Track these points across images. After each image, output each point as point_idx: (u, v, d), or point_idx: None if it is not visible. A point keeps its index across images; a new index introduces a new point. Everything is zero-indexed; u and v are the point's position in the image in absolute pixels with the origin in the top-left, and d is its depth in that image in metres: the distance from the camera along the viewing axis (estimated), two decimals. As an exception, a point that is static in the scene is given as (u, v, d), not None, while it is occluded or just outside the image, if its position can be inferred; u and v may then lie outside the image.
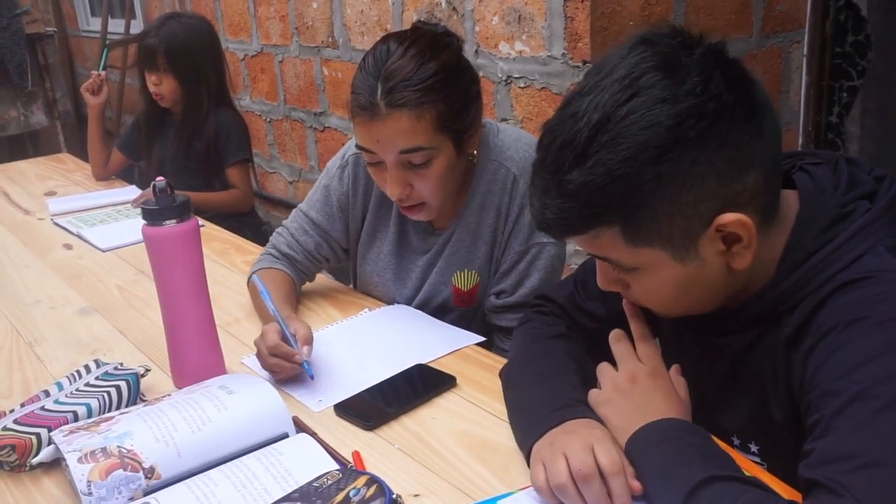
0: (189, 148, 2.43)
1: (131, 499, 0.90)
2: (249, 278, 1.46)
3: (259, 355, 1.19)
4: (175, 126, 2.46)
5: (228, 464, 0.95)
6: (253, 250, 1.85)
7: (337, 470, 0.91)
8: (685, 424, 0.86)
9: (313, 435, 1.02)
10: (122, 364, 1.18)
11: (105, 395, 1.09)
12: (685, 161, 0.76)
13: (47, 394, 1.12)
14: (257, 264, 1.49)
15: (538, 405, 0.95)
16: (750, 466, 0.83)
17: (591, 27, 1.91)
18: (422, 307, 1.45)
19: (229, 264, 1.78)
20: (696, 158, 0.76)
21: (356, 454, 1.00)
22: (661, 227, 0.79)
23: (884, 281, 0.77)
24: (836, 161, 0.88)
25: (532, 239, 1.35)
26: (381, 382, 1.17)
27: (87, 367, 1.18)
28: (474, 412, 1.10)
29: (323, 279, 1.61)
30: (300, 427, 1.05)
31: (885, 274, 0.77)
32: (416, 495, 0.92)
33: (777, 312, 0.84)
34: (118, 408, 1.10)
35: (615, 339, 0.96)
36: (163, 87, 2.37)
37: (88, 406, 1.07)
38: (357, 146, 1.27)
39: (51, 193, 2.51)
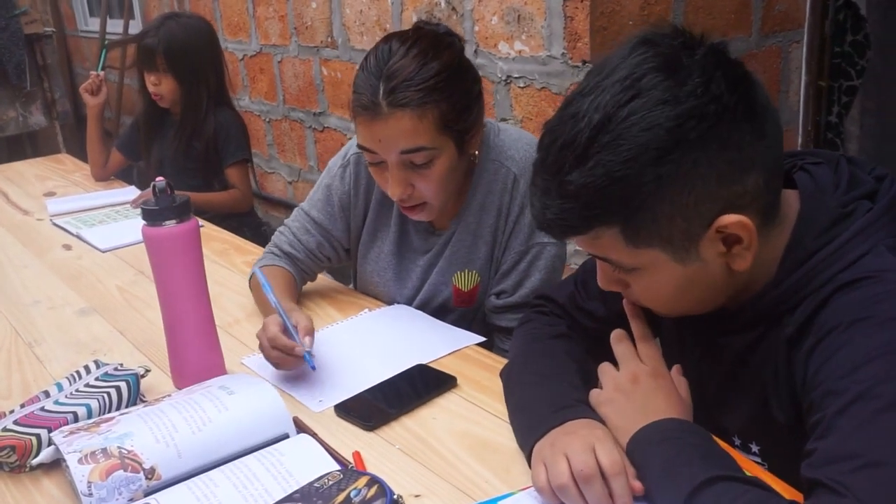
0: (188, 148, 2.43)
1: (132, 499, 0.90)
2: (251, 274, 1.46)
3: (262, 348, 1.19)
4: (174, 126, 2.46)
5: (229, 464, 0.95)
6: (253, 250, 1.85)
7: (338, 470, 0.91)
8: (686, 424, 0.86)
9: (314, 435, 1.02)
10: (121, 365, 1.18)
11: (105, 395, 1.09)
12: (686, 162, 0.75)
13: (47, 394, 1.12)
14: (259, 262, 1.49)
15: (539, 405, 0.95)
16: (751, 466, 0.83)
17: (591, 27, 1.91)
18: (422, 307, 1.45)
19: (229, 265, 1.78)
20: (697, 160, 0.76)
21: (357, 454, 1.00)
22: (661, 229, 0.79)
23: (885, 281, 0.77)
24: (836, 160, 0.88)
25: (532, 239, 1.35)
26: (382, 383, 1.17)
27: (86, 368, 1.18)
28: (475, 412, 1.10)
29: (323, 279, 1.61)
30: (301, 427, 1.05)
31: (887, 274, 0.77)
32: (416, 496, 0.92)
33: (778, 312, 0.84)
34: (118, 408, 1.10)
35: (616, 339, 0.96)
36: (162, 87, 2.37)
37: (88, 407, 1.07)
38: (358, 146, 1.27)
39: (50, 194, 2.50)
